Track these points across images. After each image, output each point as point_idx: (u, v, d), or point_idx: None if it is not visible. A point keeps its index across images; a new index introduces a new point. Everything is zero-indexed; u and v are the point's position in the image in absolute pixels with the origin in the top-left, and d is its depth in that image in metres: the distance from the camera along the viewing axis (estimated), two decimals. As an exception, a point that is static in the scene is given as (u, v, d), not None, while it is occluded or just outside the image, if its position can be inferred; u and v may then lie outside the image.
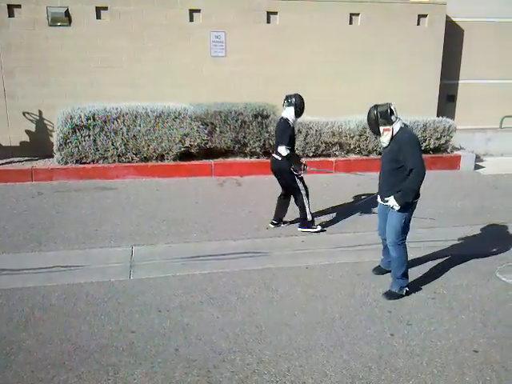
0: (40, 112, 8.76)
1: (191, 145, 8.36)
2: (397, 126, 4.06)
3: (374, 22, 9.54)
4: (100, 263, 4.87)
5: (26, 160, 8.50)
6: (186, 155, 8.44)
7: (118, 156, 8.12)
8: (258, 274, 4.72)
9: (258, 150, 8.60)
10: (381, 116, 4.04)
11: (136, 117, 8.09)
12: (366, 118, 4.20)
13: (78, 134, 7.92)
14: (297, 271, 4.80)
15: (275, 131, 5.87)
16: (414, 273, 4.72)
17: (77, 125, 7.90)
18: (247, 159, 8.68)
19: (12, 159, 8.54)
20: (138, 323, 3.84)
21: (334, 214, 6.51)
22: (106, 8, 8.61)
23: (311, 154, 8.78)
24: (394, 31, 9.64)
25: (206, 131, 8.36)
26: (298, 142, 8.62)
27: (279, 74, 9.23)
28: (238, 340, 3.65)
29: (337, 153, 8.91)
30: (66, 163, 8.06)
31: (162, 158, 8.30)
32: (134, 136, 8.09)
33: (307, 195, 5.73)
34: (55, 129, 8.16)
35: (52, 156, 8.23)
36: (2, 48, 8.40)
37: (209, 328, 3.80)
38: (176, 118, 8.24)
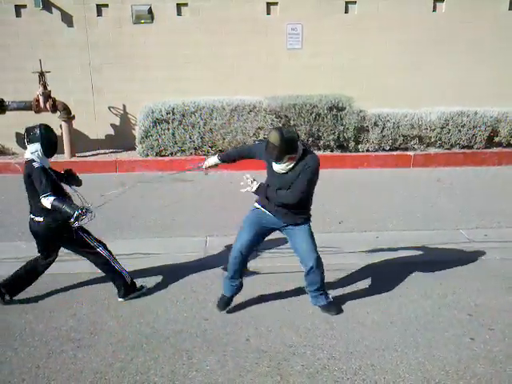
0: (124, 106, 9.24)
1: (265, 138, 8.40)
2: (300, 151, 3.57)
3: (458, 9, 8.99)
4: (176, 251, 5.06)
5: (110, 152, 9.03)
6: (260, 148, 8.51)
7: (195, 149, 8.37)
8: (327, 270, 4.65)
9: (331, 143, 8.46)
10: (288, 143, 3.43)
11: (212, 110, 8.28)
12: (268, 141, 3.50)
13: (158, 127, 8.27)
14: (369, 268, 4.68)
15: (25, 182, 3.85)
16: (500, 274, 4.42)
17: (157, 118, 8.25)
18: (320, 152, 8.56)
19: (98, 151, 9.10)
20: (211, 311, 3.95)
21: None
22: (186, 4, 8.86)
23: (388, 148, 8.49)
24: (480, 17, 9.02)
25: (281, 124, 8.36)
26: (374, 136, 8.38)
27: (356, 66, 9.00)
28: (308, 334, 3.63)
29: (415, 146, 8.54)
30: (147, 155, 8.45)
31: (236, 150, 8.42)
32: (210, 129, 8.29)
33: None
34: (137, 122, 8.57)
35: (134, 148, 8.66)
36: (91, 46, 8.93)
37: (279, 321, 3.82)
38: (251, 111, 8.32)
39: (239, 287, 3.95)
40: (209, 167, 4.19)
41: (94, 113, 9.21)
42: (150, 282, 4.41)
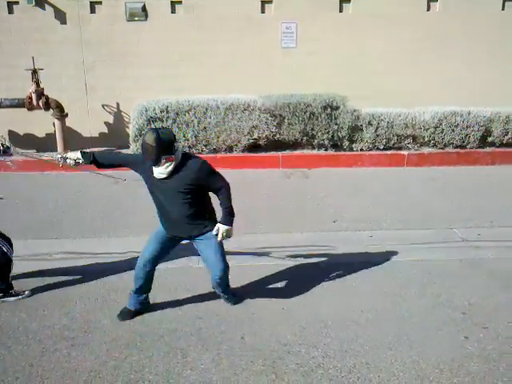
0: (118, 104, 9.20)
1: (259, 137, 8.41)
2: (179, 154, 3.46)
3: (453, 8, 9.03)
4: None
5: (104, 150, 8.98)
6: (253, 147, 8.50)
7: (189, 147, 8.34)
8: (326, 268, 4.67)
9: (326, 142, 8.47)
10: (164, 142, 3.31)
11: (207, 109, 8.26)
12: (143, 142, 3.37)
13: (152, 125, 8.23)
14: (365, 267, 4.69)
15: None
16: None
17: (151, 117, 8.21)
18: (315, 151, 8.58)
19: (92, 149, 9.04)
20: (205, 309, 3.94)
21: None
22: (180, 2, 8.83)
23: (382, 147, 8.51)
24: (476, 16, 9.08)
25: (275, 123, 8.37)
26: (368, 135, 8.41)
27: (351, 64, 9.01)
28: (303, 333, 3.64)
29: (409, 146, 8.57)
30: (141, 153, 8.41)
31: (230, 149, 8.41)
32: (205, 128, 8.27)
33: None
34: (131, 121, 8.52)
35: (128, 147, 8.62)
36: (84, 43, 8.88)
37: (274, 319, 3.82)
38: (245, 109, 8.31)
39: (145, 303, 3.88)
40: (65, 158, 3.78)
41: (87, 110, 9.16)
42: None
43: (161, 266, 3.91)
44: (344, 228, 5.69)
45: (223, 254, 3.71)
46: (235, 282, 4.13)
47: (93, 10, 8.78)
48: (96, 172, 4.09)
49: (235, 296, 4.07)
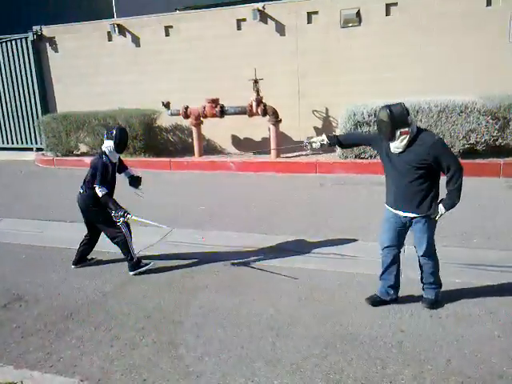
0: (327, 109, 9.49)
1: (477, 141, 7.66)
2: (414, 128, 3.52)
3: None
4: (371, 256, 4.96)
5: (311, 153, 9.37)
6: (469, 153, 7.78)
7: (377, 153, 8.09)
8: None
9: None
10: (398, 117, 3.42)
11: (417, 112, 7.89)
12: (377, 120, 3.57)
13: (359, 129, 8.25)
14: None
15: (91, 165, 4.80)
16: None
17: (359, 121, 8.24)
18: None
19: (300, 152, 9.54)
20: (407, 323, 3.76)
21: None
22: (395, 4, 8.63)
23: None
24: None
25: (497, 126, 7.51)
26: None
27: None
28: (523, 367, 3.17)
29: None
30: (346, 158, 8.52)
31: (442, 155, 7.85)
32: (414, 132, 7.90)
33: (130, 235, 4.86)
34: (339, 125, 8.70)
35: (334, 151, 8.82)
36: (300, 52, 9.41)
37: (487, 346, 3.42)
38: (462, 112, 7.67)
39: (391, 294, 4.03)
40: (312, 143, 4.18)
41: (299, 116, 9.68)
42: (343, 285, 4.43)
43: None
44: None
45: (432, 237, 3.77)
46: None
47: (309, 21, 9.23)
48: (139, 220, 4.68)
49: (437, 296, 3.92)
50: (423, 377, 3.14)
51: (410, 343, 3.51)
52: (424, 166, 3.52)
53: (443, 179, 3.64)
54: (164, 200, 7.14)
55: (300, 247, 5.33)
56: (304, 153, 9.47)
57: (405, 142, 3.52)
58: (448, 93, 7.98)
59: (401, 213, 3.75)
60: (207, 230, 6.05)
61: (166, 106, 9.85)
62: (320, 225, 5.99)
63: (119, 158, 4.92)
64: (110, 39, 10.84)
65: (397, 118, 3.45)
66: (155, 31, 10.39)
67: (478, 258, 4.77)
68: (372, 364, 3.30)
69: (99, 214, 4.79)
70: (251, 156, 9.65)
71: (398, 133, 3.49)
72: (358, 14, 8.86)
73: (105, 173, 4.64)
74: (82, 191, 4.80)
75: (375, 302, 4.03)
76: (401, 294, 4.13)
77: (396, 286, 4.00)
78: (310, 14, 9.20)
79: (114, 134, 4.67)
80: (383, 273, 4.00)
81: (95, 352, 3.62)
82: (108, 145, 4.70)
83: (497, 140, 7.60)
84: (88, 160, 10.41)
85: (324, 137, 4.12)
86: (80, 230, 5.19)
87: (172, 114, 9.90)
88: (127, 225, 4.83)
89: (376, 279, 4.13)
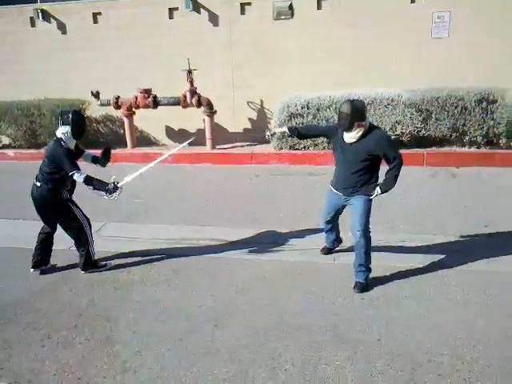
0: (261, 101, 9.56)
1: (403, 132, 8.05)
2: (368, 123, 4.01)
3: None
4: (308, 244, 5.10)
5: (247, 145, 9.42)
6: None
7: (328, 143, 8.33)
8: (472, 276, 4.30)
9: (478, 138, 7.78)
10: (358, 111, 3.90)
11: (348, 104, 8.14)
12: (339, 112, 4.00)
13: (292, 121, 8.40)
14: (521, 278, 4.21)
15: (46, 155, 4.44)
16: None
17: (292, 113, 8.38)
18: (465, 149, 7.95)
19: (235, 144, 9.56)
20: (341, 307, 3.91)
21: None
22: (326, -3, 8.83)
23: None
24: None
25: (420, 118, 7.94)
26: None
27: (512, 54, 8.14)
28: (447, 342, 3.40)
29: None
30: (281, 149, 8.65)
31: (371, 145, 8.19)
32: (345, 123, 8.17)
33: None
34: (273, 116, 8.81)
35: (269, 142, 8.92)
36: (233, 44, 9.39)
37: (414, 324, 3.63)
38: (388, 104, 8.02)
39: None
40: (273, 134, 4.70)
41: (234, 107, 9.69)
42: (278, 273, 4.51)
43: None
44: (496, 234, 5.17)
45: (368, 216, 4.14)
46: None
47: (243, 12, 9.23)
48: (133, 177, 4.66)
49: (367, 279, 4.19)
50: (357, 357, 3.29)
51: (344, 326, 3.65)
52: (370, 156, 3.99)
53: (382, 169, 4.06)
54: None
55: (237, 237, 5.36)
56: (239, 144, 9.50)
57: (360, 133, 3.97)
58: (376, 86, 8.32)
59: (342, 194, 4.22)
60: (143, 224, 5.92)
61: (96, 95, 9.47)
62: (256, 215, 6.05)
63: (75, 145, 4.53)
64: (33, 25, 10.23)
65: (357, 111, 3.89)
66: (83, 18, 9.93)
67: (404, 243, 5.04)
68: (309, 348, 3.41)
69: (58, 209, 4.48)
70: (186, 147, 9.52)
71: (355, 125, 3.92)
72: (291, 6, 8.98)
73: (71, 157, 4.31)
74: (38, 184, 4.40)
75: (326, 251, 4.82)
76: (335, 280, 4.29)
77: (338, 238, 4.80)
78: (243, 5, 9.20)
79: (70, 119, 4.30)
80: (326, 232, 4.70)
81: (24, 353, 3.45)
82: (64, 130, 4.32)
83: (420, 131, 8.04)
84: (12, 153, 9.83)
85: (285, 128, 4.52)
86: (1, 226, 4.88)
87: (102, 105, 9.54)
88: (87, 219, 4.59)
89: (311, 266, 4.27)
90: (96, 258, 4.72)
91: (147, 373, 3.20)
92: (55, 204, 4.45)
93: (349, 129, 3.97)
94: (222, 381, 3.11)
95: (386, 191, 4.07)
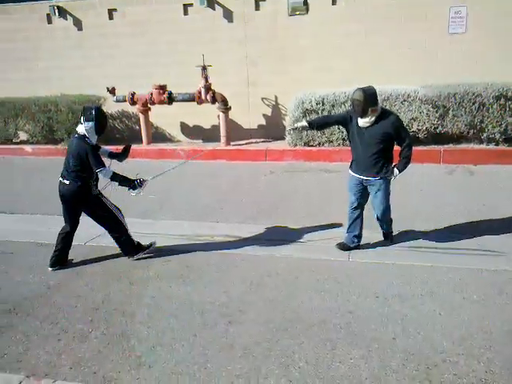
0: (276, 97, 9.54)
1: (419, 129, 7.96)
2: (379, 108, 4.32)
3: None
4: (322, 241, 5.08)
5: (261, 141, 9.42)
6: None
7: (343, 139, 8.28)
8: (489, 275, 4.24)
9: (497, 136, 7.66)
10: (370, 97, 4.18)
11: (363, 100, 8.07)
12: (352, 99, 4.30)
13: (307, 117, 8.35)
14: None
15: (70, 152, 4.47)
16: None
17: (307, 109, 8.35)
18: (483, 146, 7.83)
19: (250, 140, 9.56)
20: (355, 305, 3.89)
21: None
22: (342, -7, 8.76)
23: None
24: None
25: (437, 115, 7.83)
26: None
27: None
28: (462, 343, 3.36)
29: None
30: (295, 145, 8.62)
31: (386, 142, 8.12)
32: (360, 120, 8.11)
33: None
34: (288, 113, 8.78)
35: (283, 138, 8.90)
36: (248, 40, 9.37)
37: (429, 323, 3.60)
38: (404, 100, 7.94)
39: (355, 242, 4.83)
40: (295, 128, 4.88)
41: (248, 104, 9.68)
42: (294, 271, 4.51)
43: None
44: (515, 233, 5.09)
45: (388, 195, 4.58)
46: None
47: (257, 8, 9.20)
48: (158, 176, 4.82)
49: (390, 228, 4.84)
50: (371, 356, 3.27)
51: (358, 324, 3.63)
52: (386, 138, 4.31)
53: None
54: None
55: (251, 234, 5.37)
56: (254, 140, 9.49)
57: (373, 118, 4.28)
58: (392, 82, 8.23)
59: (363, 177, 4.52)
60: (158, 220, 5.96)
61: (112, 91, 9.54)
62: (270, 211, 6.05)
63: None
64: (49, 22, 10.33)
65: (369, 97, 4.19)
66: (99, 14, 10.00)
67: (420, 241, 4.99)
68: (322, 346, 3.40)
69: (91, 204, 4.57)
70: (201, 144, 9.56)
71: (369, 110, 4.22)
72: (306, 2, 8.92)
73: (96, 154, 4.42)
74: (67, 182, 4.45)
75: (344, 247, 4.81)
76: (350, 277, 4.27)
77: (359, 236, 4.78)
78: (257, 1, 9.16)
79: (93, 115, 4.36)
80: (350, 226, 4.76)
81: (41, 346, 3.50)
82: (88, 126, 4.38)
83: (437, 128, 7.94)
84: (29, 149, 9.97)
85: (304, 122, 4.75)
86: (18, 221, 4.95)
87: (118, 101, 9.60)
88: (117, 208, 4.72)
89: (325, 263, 4.24)
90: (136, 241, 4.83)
91: (162, 368, 3.23)
92: (88, 200, 4.55)
93: (363, 114, 4.27)
94: (235, 377, 3.12)
95: (403, 170, 4.44)
